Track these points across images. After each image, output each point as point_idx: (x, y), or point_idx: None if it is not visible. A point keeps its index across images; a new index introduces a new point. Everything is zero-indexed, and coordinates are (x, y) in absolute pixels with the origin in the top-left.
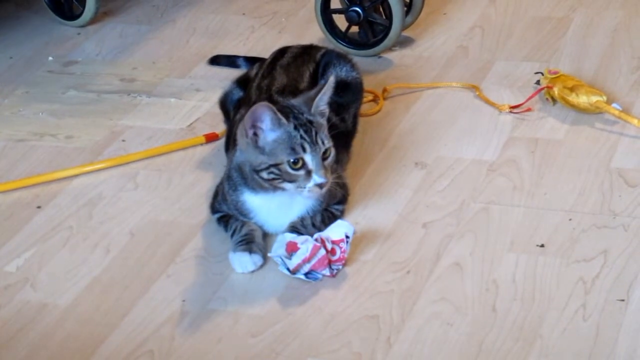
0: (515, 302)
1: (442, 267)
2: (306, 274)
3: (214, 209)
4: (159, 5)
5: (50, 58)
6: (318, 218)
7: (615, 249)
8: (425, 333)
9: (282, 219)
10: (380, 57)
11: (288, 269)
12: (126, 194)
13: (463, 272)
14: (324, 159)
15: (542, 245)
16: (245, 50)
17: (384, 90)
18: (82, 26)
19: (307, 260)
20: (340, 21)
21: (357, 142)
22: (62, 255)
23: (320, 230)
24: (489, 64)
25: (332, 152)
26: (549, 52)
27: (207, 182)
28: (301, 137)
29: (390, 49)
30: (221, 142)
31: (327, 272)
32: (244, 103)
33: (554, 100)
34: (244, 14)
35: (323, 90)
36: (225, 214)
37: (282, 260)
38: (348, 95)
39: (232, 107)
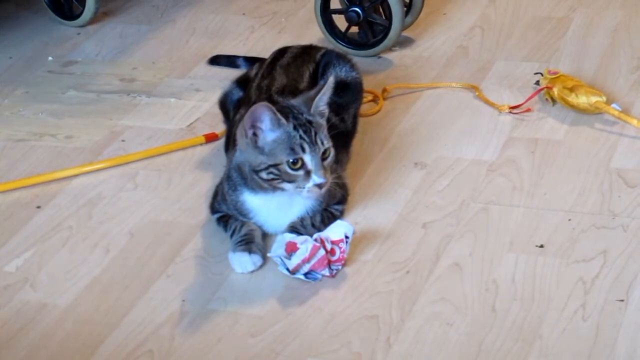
0: (515, 302)
1: (442, 267)
2: (306, 274)
3: (213, 209)
4: (159, 5)
5: (50, 58)
6: (317, 218)
7: (614, 249)
8: (424, 333)
9: (282, 219)
10: (380, 57)
11: (287, 269)
12: (126, 194)
13: (463, 272)
14: (323, 159)
15: (542, 246)
16: (245, 50)
17: (384, 91)
18: (82, 26)
19: (306, 261)
20: (340, 21)
21: (356, 142)
22: (62, 255)
23: (319, 230)
24: (489, 64)
25: (332, 152)
26: (549, 52)
27: (206, 182)
28: (300, 137)
29: (390, 49)
30: (221, 142)
31: (326, 272)
32: (244, 103)
33: (553, 100)
34: (243, 14)
35: (323, 91)
36: (225, 214)
37: (282, 260)
38: (348, 96)
39: (231, 107)
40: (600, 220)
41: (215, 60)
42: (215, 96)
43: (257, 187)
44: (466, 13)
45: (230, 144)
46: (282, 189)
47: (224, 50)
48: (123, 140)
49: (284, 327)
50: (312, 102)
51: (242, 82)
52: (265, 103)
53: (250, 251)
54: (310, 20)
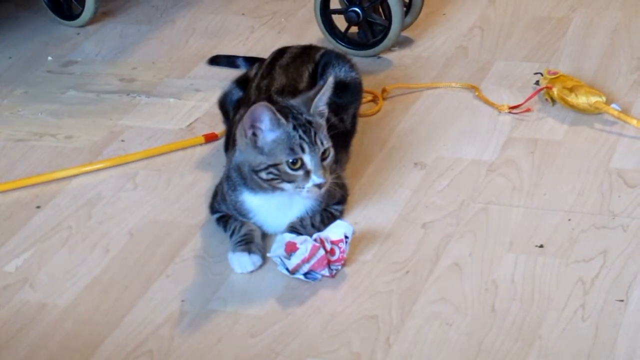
0: (515, 302)
1: (442, 267)
2: (305, 274)
3: (213, 209)
4: (159, 5)
5: (50, 58)
6: (317, 218)
7: (614, 250)
8: (424, 333)
9: (281, 219)
10: (379, 57)
11: (287, 269)
12: (125, 194)
13: (462, 272)
14: (323, 159)
15: (542, 246)
16: (244, 50)
17: (384, 91)
18: (82, 26)
19: (306, 261)
20: (340, 21)
21: (356, 142)
22: (62, 255)
23: (319, 230)
24: (489, 64)
25: (331, 152)
26: (549, 52)
27: (206, 182)
28: (300, 137)
29: (389, 49)
30: (220, 143)
31: (326, 272)
32: (244, 103)
33: (553, 100)
34: (243, 14)
35: (322, 91)
36: (225, 214)
37: (281, 260)
38: (347, 96)
39: (231, 108)
40: (600, 221)
41: (215, 61)
42: (214, 96)
43: (257, 187)
44: (466, 13)
45: (230, 144)
46: (282, 189)
47: (224, 50)
48: (123, 140)
49: (284, 327)
50: (311, 102)
51: (242, 82)
52: (264, 103)
53: (249, 251)
54: (310, 20)
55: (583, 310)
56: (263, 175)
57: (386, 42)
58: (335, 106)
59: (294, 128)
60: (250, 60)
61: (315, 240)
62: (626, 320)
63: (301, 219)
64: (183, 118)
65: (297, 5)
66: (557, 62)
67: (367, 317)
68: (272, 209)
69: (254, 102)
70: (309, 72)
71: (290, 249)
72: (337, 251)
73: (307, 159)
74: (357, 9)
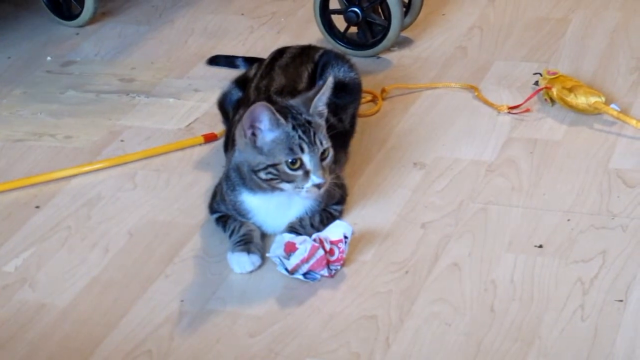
0: (514, 302)
1: (441, 268)
2: (304, 274)
3: (212, 209)
4: (158, 5)
5: (49, 58)
6: (316, 218)
7: (613, 250)
8: (423, 333)
9: (281, 220)
10: (379, 57)
11: (286, 269)
12: (125, 194)
13: (461, 273)
14: (322, 159)
15: (541, 246)
16: (244, 50)
17: (383, 91)
18: (81, 26)
19: (305, 261)
20: (339, 22)
21: (355, 143)
22: (61, 255)
23: (318, 230)
24: (488, 64)
25: (331, 152)
26: (548, 52)
27: (205, 183)
28: (299, 137)
29: (389, 49)
30: (219, 143)
31: (325, 272)
32: (243, 103)
33: (552, 101)
34: (242, 14)
35: (322, 91)
36: (224, 214)
37: (281, 260)
38: (346, 96)
39: (230, 108)
40: (599, 221)
41: (214, 61)
42: (214, 96)
43: (256, 187)
44: (465, 13)
45: (229, 144)
46: (281, 189)
47: (223, 50)
48: (122, 141)
49: (283, 327)
50: (311, 103)
51: (241, 83)
52: (264, 103)
53: (249, 251)
54: (309, 20)
55: (582, 311)
56: (262, 175)
57: (385, 43)
58: (335, 106)
59: (293, 128)
60: (250, 61)
61: (314, 240)
62: (625, 321)
63: (300, 219)
64: (182, 118)
65: (296, 5)
66: (557, 63)
67: (366, 317)
68: (272, 209)
69: (253, 102)
70: (308, 72)
71: (290, 249)
72: (337, 251)
73: (306, 159)
74: (356, 9)
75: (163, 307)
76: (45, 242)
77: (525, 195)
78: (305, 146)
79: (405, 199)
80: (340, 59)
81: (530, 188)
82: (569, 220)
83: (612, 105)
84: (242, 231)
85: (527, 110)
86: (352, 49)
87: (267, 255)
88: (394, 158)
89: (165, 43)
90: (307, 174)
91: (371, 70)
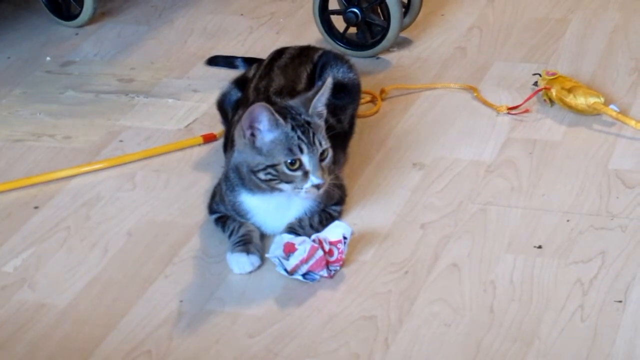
0: (513, 303)
1: (440, 268)
2: (304, 275)
3: (211, 210)
4: (157, 5)
5: (48, 58)
6: (316, 219)
7: (613, 250)
8: (423, 334)
9: (280, 220)
10: (378, 58)
11: (286, 270)
12: (124, 194)
13: (461, 273)
14: (321, 160)
15: (540, 247)
16: (243, 51)
17: (382, 91)
18: (80, 26)
19: (304, 261)
20: (339, 22)
21: (355, 143)
22: (60, 255)
23: (318, 231)
24: (487, 65)
25: (330, 153)
26: (547, 53)
27: (204, 183)
28: (298, 138)
29: (388, 50)
30: (219, 143)
31: (324, 273)
32: (242, 104)
33: (551, 101)
34: (242, 14)
35: (321, 92)
36: (223, 214)
37: (280, 261)
38: (345, 97)
39: (230, 108)
40: (598, 221)
41: (214, 61)
42: (213, 97)
43: (255, 188)
44: (464, 14)
45: (228, 144)
46: (280, 190)
47: (222, 50)
48: (121, 141)
49: (282, 327)
50: (310, 103)
51: (240, 83)
52: (263, 103)
53: (248, 252)
54: (309, 20)
55: (582, 311)
56: (261, 175)
57: (385, 43)
58: (334, 107)
59: (293, 129)
60: (249, 61)
61: (313, 241)
62: (625, 321)
63: (300, 220)
64: (181, 118)
65: (295, 5)
66: (556, 63)
67: (365, 317)
68: (271, 209)
69: (252, 103)
70: (307, 72)
71: (289, 249)
72: (336, 252)
73: (305, 159)
74: (355, 10)
75: (162, 308)
76: (45, 242)
77: (524, 196)
78: (304, 147)
79: (405, 200)
80: (340, 59)
81: (529, 188)
82: (568, 220)
83: (611, 106)
84: (242, 232)
85: (527, 111)
86: (352, 50)
87: (267, 255)
88: (393, 158)
89: (165, 43)
90: (306, 174)
91: (370, 70)
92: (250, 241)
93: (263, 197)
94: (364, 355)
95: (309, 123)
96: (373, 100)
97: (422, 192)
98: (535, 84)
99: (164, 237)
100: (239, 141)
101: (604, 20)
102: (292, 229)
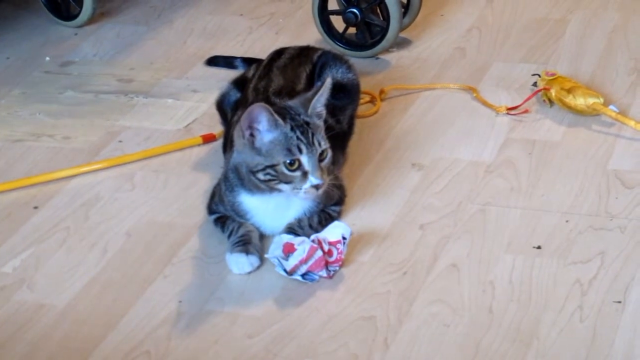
0: (512, 303)
1: (439, 269)
2: (303, 275)
3: (211, 210)
4: (157, 6)
5: (48, 58)
6: (315, 219)
7: (612, 251)
8: (422, 334)
9: (279, 220)
10: (377, 58)
11: (285, 270)
12: (123, 194)
13: (460, 274)
14: (320, 160)
15: (539, 247)
16: (242, 51)
17: (381, 92)
18: (80, 27)
19: (304, 262)
20: (338, 22)
21: (354, 144)
22: (59, 255)
23: (317, 231)
24: (487, 65)
25: (329, 153)
26: (546, 53)
27: (204, 183)
28: (298, 138)
29: (387, 50)
30: (218, 143)
31: (324, 273)
32: (241, 104)
33: (551, 102)
34: (241, 14)
35: (320, 92)
36: (222, 215)
37: (279, 261)
38: (344, 97)
39: (229, 109)
40: (597, 222)
41: (213, 61)
42: (212, 97)
43: (255, 188)
44: (464, 14)
45: (227, 145)
46: (279, 190)
47: (222, 51)
48: (120, 141)
49: (282, 328)
50: (309, 104)
51: (240, 83)
52: (262, 104)
53: (247, 252)
54: (308, 21)
55: (581, 312)
56: (260, 176)
57: (384, 43)
58: (333, 107)
59: (292, 129)
60: (248, 61)
61: (312, 241)
62: (624, 322)
63: (299, 220)
64: (181, 119)
65: (295, 6)
66: (555, 64)
67: (364, 318)
68: (270, 210)
69: (251, 103)
70: (306, 73)
71: (288, 250)
72: (335, 252)
73: (304, 160)
74: (355, 10)
75: (161, 308)
76: (44, 242)
77: (523, 196)
78: (303, 147)
79: (404, 200)
80: (339, 59)
81: (528, 189)
82: (567, 221)
83: (611, 106)
84: (241, 232)
85: (526, 111)
86: (351, 50)
87: (266, 256)
88: (393, 159)
89: (164, 43)
90: (305, 175)
91: (370, 71)
92: (250, 241)
93: (262, 197)
94: (363, 355)
95: (308, 123)
96: (372, 101)
97: (422, 193)
98: (535, 84)
99: (163, 238)
100: (238, 141)
101: (603, 20)
102: (291, 230)
